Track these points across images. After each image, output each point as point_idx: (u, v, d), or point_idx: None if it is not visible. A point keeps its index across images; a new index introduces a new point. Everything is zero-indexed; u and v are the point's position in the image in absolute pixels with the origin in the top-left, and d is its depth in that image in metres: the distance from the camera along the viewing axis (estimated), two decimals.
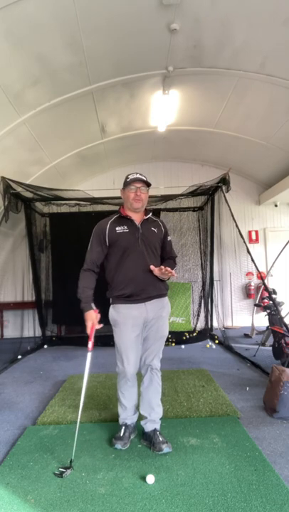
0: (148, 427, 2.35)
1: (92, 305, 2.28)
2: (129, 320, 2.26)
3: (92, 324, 2.24)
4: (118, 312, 2.30)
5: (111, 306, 2.36)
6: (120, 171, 6.95)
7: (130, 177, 2.33)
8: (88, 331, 2.24)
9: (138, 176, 2.32)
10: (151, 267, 2.25)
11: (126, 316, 2.27)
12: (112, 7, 3.27)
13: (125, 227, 2.32)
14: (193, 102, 5.16)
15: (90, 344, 2.27)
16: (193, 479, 1.95)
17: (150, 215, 2.44)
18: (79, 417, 2.24)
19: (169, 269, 2.22)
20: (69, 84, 4.28)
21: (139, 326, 2.29)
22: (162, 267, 2.23)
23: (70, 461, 2.10)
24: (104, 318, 2.33)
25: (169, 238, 2.50)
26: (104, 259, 2.39)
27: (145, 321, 2.30)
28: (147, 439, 2.33)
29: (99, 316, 2.27)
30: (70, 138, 5.61)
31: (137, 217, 2.36)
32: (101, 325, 2.28)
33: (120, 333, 2.29)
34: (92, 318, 2.24)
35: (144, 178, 2.32)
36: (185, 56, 4.09)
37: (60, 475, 2.00)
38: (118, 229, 2.31)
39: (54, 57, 3.76)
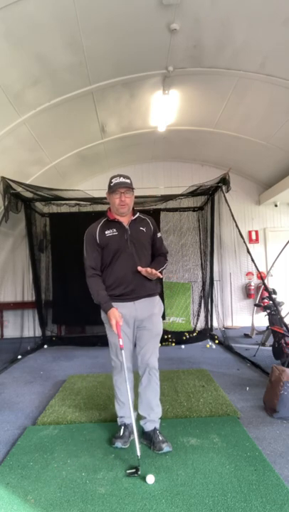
0: (148, 426, 2.35)
1: (112, 303, 2.28)
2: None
3: (116, 322, 2.23)
4: None
5: None
6: (120, 171, 6.84)
7: (113, 181, 2.32)
8: (114, 329, 2.23)
9: (121, 179, 2.31)
10: (139, 268, 2.27)
11: None
12: (112, 7, 3.27)
13: (114, 230, 2.35)
14: (193, 102, 5.16)
15: (121, 341, 2.25)
16: (193, 479, 1.95)
17: (138, 214, 2.46)
18: (132, 411, 2.23)
19: (154, 271, 2.24)
20: (69, 84, 4.28)
21: (129, 323, 2.33)
22: (148, 268, 2.25)
23: (138, 459, 2.07)
24: (99, 317, 2.39)
25: (158, 235, 2.51)
26: None
27: (135, 319, 2.33)
28: (147, 438, 2.34)
29: (120, 313, 2.27)
30: (70, 138, 5.61)
31: (124, 219, 2.39)
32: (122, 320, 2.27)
33: (112, 329, 2.32)
34: (115, 316, 2.23)
35: (128, 182, 2.32)
36: (185, 56, 4.09)
37: (136, 473, 1.99)
38: (107, 232, 2.34)
39: (54, 57, 3.76)
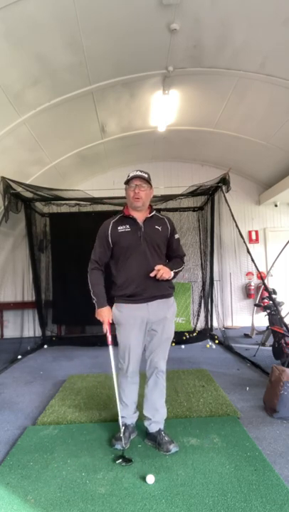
0: (152, 427, 2.34)
1: (105, 301, 2.32)
2: (131, 319, 2.26)
3: (107, 320, 2.30)
4: (120, 311, 2.29)
5: (114, 305, 2.35)
6: (120, 171, 6.94)
7: (130, 174, 2.31)
8: (105, 327, 2.31)
9: (137, 173, 2.29)
10: (151, 274, 2.21)
11: (128, 316, 2.26)
12: (112, 7, 3.27)
13: (127, 227, 2.29)
14: (193, 102, 5.16)
15: (110, 338, 2.37)
16: (193, 479, 1.95)
17: (154, 212, 2.41)
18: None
19: (162, 270, 2.17)
20: (69, 84, 4.28)
21: (141, 326, 2.28)
22: (155, 268, 2.19)
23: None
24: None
25: (176, 236, 2.45)
26: (110, 258, 2.39)
27: (148, 322, 2.28)
28: (152, 439, 2.33)
29: (111, 312, 2.33)
30: (70, 138, 5.61)
31: (139, 216, 2.33)
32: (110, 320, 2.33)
33: (123, 332, 2.30)
34: (106, 315, 2.31)
35: (145, 175, 2.29)
36: (185, 56, 4.09)
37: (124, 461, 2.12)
38: (120, 228, 2.29)
39: (54, 57, 3.76)
